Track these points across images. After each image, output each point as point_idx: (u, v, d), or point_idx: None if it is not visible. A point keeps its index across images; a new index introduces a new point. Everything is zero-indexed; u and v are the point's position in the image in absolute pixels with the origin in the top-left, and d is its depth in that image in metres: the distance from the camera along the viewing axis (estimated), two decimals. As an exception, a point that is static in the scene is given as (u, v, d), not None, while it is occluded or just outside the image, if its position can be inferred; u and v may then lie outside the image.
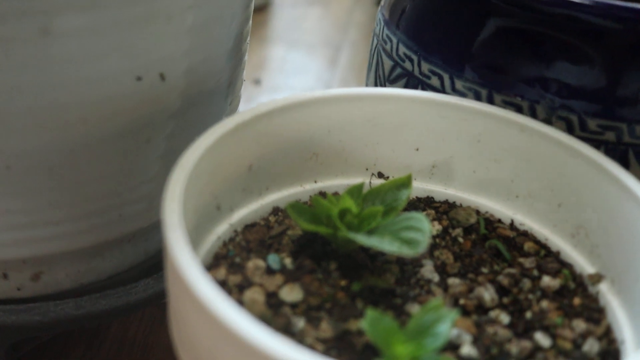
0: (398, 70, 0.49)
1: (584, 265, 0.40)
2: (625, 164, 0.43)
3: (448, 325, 0.31)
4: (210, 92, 0.45)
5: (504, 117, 0.42)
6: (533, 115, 0.44)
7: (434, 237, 0.42)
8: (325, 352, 0.34)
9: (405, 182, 0.40)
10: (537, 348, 0.36)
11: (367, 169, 0.45)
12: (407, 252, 0.35)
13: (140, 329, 0.54)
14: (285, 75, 0.93)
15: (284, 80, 0.92)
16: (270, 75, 0.93)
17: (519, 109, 0.44)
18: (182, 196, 0.34)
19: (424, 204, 0.45)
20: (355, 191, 0.40)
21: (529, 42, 0.43)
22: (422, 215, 0.36)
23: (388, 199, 0.39)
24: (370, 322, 0.32)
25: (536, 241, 0.42)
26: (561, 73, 0.43)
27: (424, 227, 0.36)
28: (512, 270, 0.40)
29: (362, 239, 0.36)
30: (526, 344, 0.35)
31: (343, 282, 0.38)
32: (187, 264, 0.30)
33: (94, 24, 0.36)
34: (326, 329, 0.35)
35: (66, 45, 0.36)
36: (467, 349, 0.35)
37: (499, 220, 0.44)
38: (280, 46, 0.99)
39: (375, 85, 0.53)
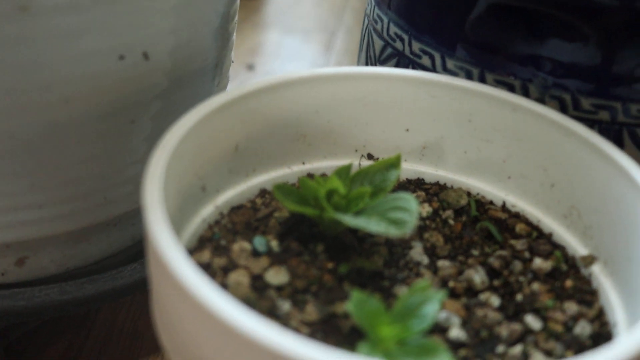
0: (389, 50, 0.48)
1: (577, 247, 0.40)
2: (619, 143, 0.42)
3: (435, 306, 0.30)
4: (197, 72, 0.44)
5: (496, 96, 0.41)
6: (525, 94, 0.43)
7: (423, 219, 0.41)
8: (311, 335, 0.33)
9: (394, 163, 0.39)
10: (528, 331, 0.35)
11: (356, 150, 0.44)
12: (394, 232, 0.34)
13: (129, 316, 0.53)
14: (279, 60, 0.92)
15: (278, 65, 0.91)
16: (265, 61, 0.92)
17: (511, 88, 0.43)
18: (163, 176, 0.33)
19: (415, 185, 0.44)
20: (343, 172, 0.39)
21: (522, 20, 0.42)
22: (409, 195, 0.36)
23: (376, 180, 0.38)
24: (356, 304, 0.31)
25: (528, 223, 0.42)
26: (554, 51, 0.42)
27: (412, 207, 0.35)
28: (503, 253, 0.39)
29: (349, 220, 0.35)
30: (516, 327, 0.34)
31: (330, 265, 0.37)
32: (167, 245, 0.29)
33: (73, 1, 0.35)
34: (312, 312, 0.34)
35: (45, 22, 0.35)
36: (455, 332, 0.34)
37: (491, 202, 0.43)
38: (275, 32, 0.98)
39: (366, 65, 0.52)
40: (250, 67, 0.88)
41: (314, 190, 0.37)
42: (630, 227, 0.36)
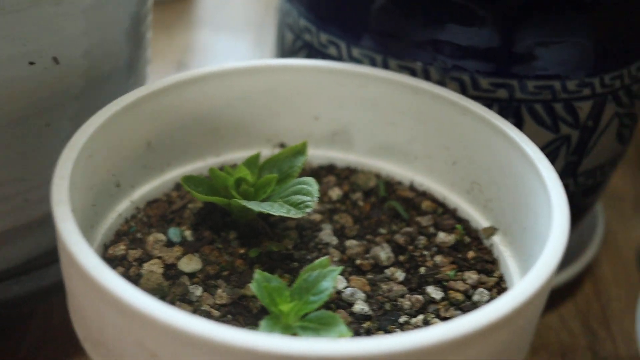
0: (299, 43, 0.50)
1: (479, 220, 0.42)
2: (519, 119, 0.44)
3: (331, 281, 0.32)
4: (111, 73, 0.45)
5: (398, 81, 0.43)
6: (427, 77, 0.44)
7: (334, 202, 0.43)
8: (221, 317, 0.34)
9: (301, 150, 0.40)
10: (430, 301, 0.37)
11: (269, 140, 0.46)
12: (295, 214, 0.35)
13: (63, 317, 0.54)
14: (212, 59, 0.93)
15: (210, 64, 0.92)
16: (197, 60, 0.92)
17: (413, 73, 0.45)
18: (69, 174, 0.34)
19: (326, 170, 0.46)
20: (252, 161, 0.41)
21: (421, 7, 0.44)
22: (311, 179, 0.37)
23: (284, 167, 0.40)
24: (258, 283, 0.33)
25: (434, 200, 0.43)
26: (452, 35, 0.44)
27: (313, 190, 0.36)
28: (409, 229, 0.41)
29: (254, 206, 0.36)
30: (418, 298, 0.36)
31: (242, 250, 0.39)
32: (73, 239, 0.31)
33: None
34: (223, 295, 0.36)
35: (-49, 32, 0.36)
36: (360, 306, 0.35)
37: (399, 182, 0.45)
38: (206, 31, 0.99)
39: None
40: (182, 67, 0.89)
41: (223, 179, 0.39)
42: (523, 197, 0.38)
